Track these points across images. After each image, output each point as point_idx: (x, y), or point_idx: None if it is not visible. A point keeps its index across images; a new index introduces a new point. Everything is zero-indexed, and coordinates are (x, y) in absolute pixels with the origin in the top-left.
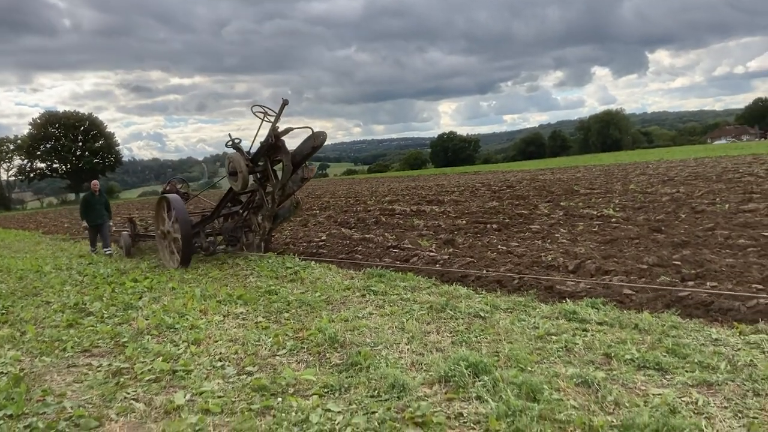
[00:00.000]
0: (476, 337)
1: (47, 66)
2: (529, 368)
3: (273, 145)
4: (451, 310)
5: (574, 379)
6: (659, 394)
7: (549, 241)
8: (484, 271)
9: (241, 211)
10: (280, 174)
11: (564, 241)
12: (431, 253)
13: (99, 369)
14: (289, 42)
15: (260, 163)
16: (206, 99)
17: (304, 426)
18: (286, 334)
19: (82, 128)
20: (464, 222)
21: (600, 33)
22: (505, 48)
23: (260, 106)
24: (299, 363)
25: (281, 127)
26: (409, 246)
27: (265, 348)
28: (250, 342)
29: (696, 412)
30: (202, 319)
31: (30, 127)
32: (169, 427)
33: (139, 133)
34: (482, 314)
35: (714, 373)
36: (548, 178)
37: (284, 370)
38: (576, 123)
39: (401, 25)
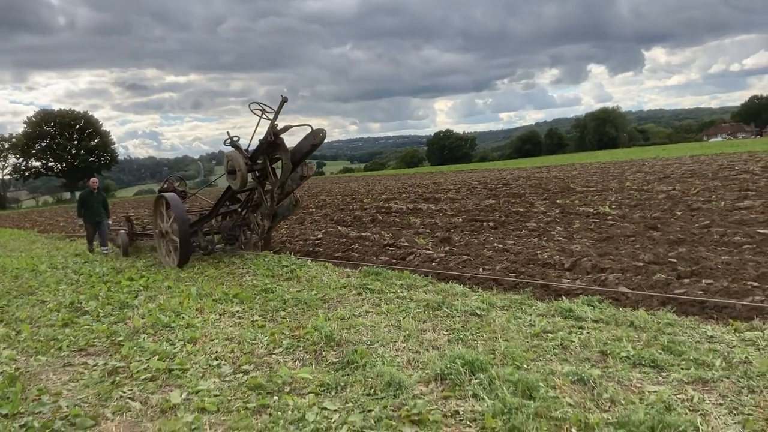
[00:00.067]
0: (472, 335)
1: (42, 64)
2: (525, 366)
3: (272, 143)
4: (447, 308)
5: (570, 377)
6: (655, 392)
7: (545, 238)
8: (480, 270)
9: (239, 209)
10: (278, 172)
11: (560, 238)
12: (427, 251)
13: (95, 368)
14: (285, 40)
15: (259, 162)
16: (202, 97)
17: (301, 424)
18: (283, 333)
19: (77, 126)
20: (461, 220)
21: (596, 30)
22: (501, 45)
23: (258, 103)
24: (295, 361)
25: (280, 124)
26: (406, 244)
27: (262, 346)
28: (246, 340)
29: (691, 409)
30: (198, 317)
31: (25, 125)
32: (165, 426)
33: (134, 132)
34: (478, 312)
35: (709, 371)
36: (544, 175)
37: (280, 368)
38: (572, 121)
39: (397, 22)
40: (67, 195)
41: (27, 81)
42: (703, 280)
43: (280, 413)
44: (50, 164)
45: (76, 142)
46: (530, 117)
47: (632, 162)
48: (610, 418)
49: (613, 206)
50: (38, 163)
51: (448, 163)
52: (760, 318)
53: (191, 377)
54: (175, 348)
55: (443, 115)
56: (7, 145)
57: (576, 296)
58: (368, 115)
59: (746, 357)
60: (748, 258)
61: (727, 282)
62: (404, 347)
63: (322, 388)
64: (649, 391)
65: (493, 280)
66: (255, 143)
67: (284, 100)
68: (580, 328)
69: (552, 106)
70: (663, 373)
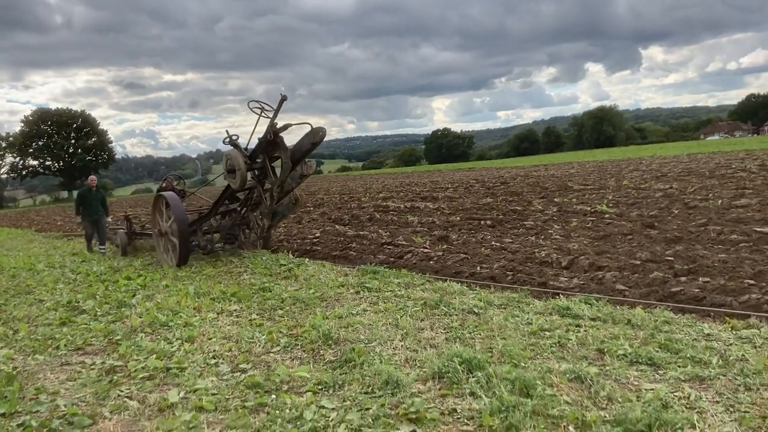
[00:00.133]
0: (470, 333)
1: (39, 63)
2: (523, 364)
3: (271, 141)
4: (444, 306)
5: (568, 375)
6: (652, 389)
7: (542, 237)
8: (478, 268)
9: (239, 208)
10: (278, 170)
11: (557, 237)
12: (425, 250)
13: (92, 367)
14: (282, 38)
15: (258, 160)
16: (199, 96)
17: (298, 423)
18: (280, 331)
19: (74, 125)
20: (458, 218)
21: (593, 29)
22: (498, 44)
23: (257, 101)
24: (293, 360)
25: (279, 123)
26: (403, 243)
27: (259, 345)
28: (244, 339)
29: (688, 406)
30: (195, 316)
31: (22, 124)
32: (163, 424)
33: (132, 131)
34: (476, 310)
35: (706, 368)
36: (542, 174)
37: (278, 367)
38: (569, 119)
39: (394, 21)
40: (64, 194)
41: (24, 80)
42: (700, 278)
43: (277, 412)
44: (47, 163)
45: (73, 141)
46: (528, 115)
47: (629, 160)
48: (607, 415)
49: (611, 205)
50: (35, 162)
51: (445, 162)
52: (757, 316)
53: (189, 376)
54: (172, 347)
55: (441, 114)
56: (4, 144)
57: (573, 294)
58: (366, 113)
59: (743, 355)
60: (744, 256)
61: (723, 280)
62: (402, 346)
63: (319, 387)
64: (646, 389)
65: (490, 278)
66: (254, 142)
67: (283, 99)
68: (578, 326)
69: (549, 105)
70: (660, 371)
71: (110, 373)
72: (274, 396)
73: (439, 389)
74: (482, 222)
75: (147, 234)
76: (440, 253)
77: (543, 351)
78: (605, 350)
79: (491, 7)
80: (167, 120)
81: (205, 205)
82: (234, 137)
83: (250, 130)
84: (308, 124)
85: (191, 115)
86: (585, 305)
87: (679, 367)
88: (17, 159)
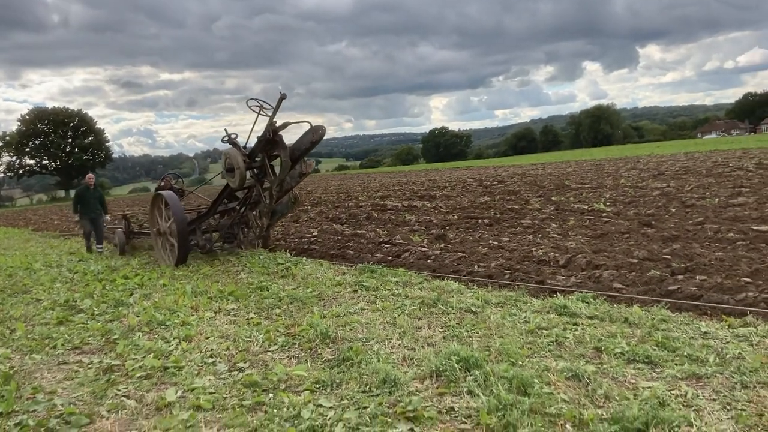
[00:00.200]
0: (467, 331)
1: (36, 62)
2: (520, 362)
3: (271, 140)
4: (442, 305)
5: (565, 373)
6: (649, 387)
7: (540, 235)
8: (476, 267)
9: (238, 207)
10: (277, 169)
11: (555, 235)
12: (423, 249)
13: (90, 366)
14: (280, 37)
15: (257, 159)
16: (196, 95)
17: (296, 421)
18: (278, 330)
19: (71, 124)
20: (456, 217)
21: (591, 27)
22: (496, 43)
23: (256, 99)
24: (291, 359)
25: (278, 121)
26: (401, 241)
27: (257, 344)
28: (242, 338)
29: (685, 404)
30: (193, 315)
31: (19, 123)
32: (160, 423)
33: (129, 129)
34: (473, 309)
35: (703, 366)
36: (539, 173)
37: (276, 366)
38: (567, 118)
39: (392, 19)
40: (61, 193)
41: (21, 78)
42: (697, 277)
43: (275, 410)
44: (44, 162)
45: (70, 140)
46: (525, 114)
47: (627, 159)
48: (604, 413)
49: (608, 203)
50: (32, 161)
51: (443, 161)
52: (754, 314)
53: (186, 375)
54: (170, 346)
55: (438, 113)
56: (0, 143)
57: (571, 293)
58: (363, 112)
59: (739, 353)
60: (741, 254)
61: (720, 278)
62: (399, 344)
63: (317, 386)
64: (643, 387)
65: (488, 277)
66: (253, 141)
67: (283, 97)
68: (575, 324)
69: (547, 104)
70: (657, 369)
71: (107, 372)
72: (271, 395)
73: (437, 388)
74: (480, 221)
75: (145, 233)
76: (438, 252)
77: (540, 349)
78: (602, 348)
79: (489, 6)
80: (164, 119)
81: (204, 204)
82: (233, 136)
83: (248, 128)
84: (308, 122)
85: (188, 114)
86: (582, 303)
87: (676, 365)
88: (14, 158)
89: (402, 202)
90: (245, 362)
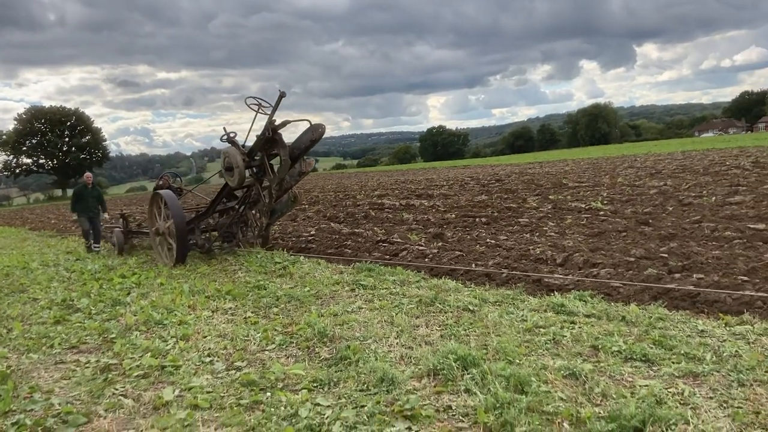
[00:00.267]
0: (465, 330)
1: (32, 61)
2: (518, 361)
3: (270, 138)
4: (440, 303)
5: (562, 372)
6: (646, 386)
7: (537, 234)
8: (473, 265)
9: (237, 206)
10: (276, 168)
11: (552, 234)
12: (420, 247)
13: (87, 365)
14: (276, 36)
15: (256, 158)
16: (193, 93)
17: (294, 420)
18: (275, 329)
19: (68, 123)
20: (453, 216)
21: (588, 26)
22: (493, 41)
23: (255, 98)
24: (288, 358)
25: (277, 120)
26: (399, 240)
27: (254, 343)
28: (239, 337)
29: (682, 402)
30: (190, 314)
31: (15, 122)
32: (158, 422)
33: (126, 128)
34: (471, 307)
35: (700, 364)
36: (537, 171)
37: (273, 364)
38: (564, 116)
39: (389, 18)
40: (58, 192)
41: (17, 77)
42: (694, 275)
43: (272, 409)
44: (41, 161)
45: (67, 139)
46: (522, 113)
47: (624, 157)
48: (601, 412)
49: (605, 202)
50: (29, 160)
51: (440, 160)
52: (750, 312)
53: (184, 374)
54: (167, 345)
55: (436, 112)
56: None
57: (568, 291)
58: (361, 111)
59: (736, 351)
60: (738, 252)
61: (717, 276)
62: (397, 343)
63: (315, 384)
64: (640, 385)
65: (485, 275)
66: (252, 139)
67: (282, 95)
68: (572, 323)
69: (544, 102)
70: (654, 367)
71: (105, 372)
72: (269, 394)
73: (434, 386)
74: (477, 219)
75: (143, 232)
76: (435, 251)
77: (538, 348)
78: (600, 347)
79: (485, 5)
80: (161, 118)
81: (202, 203)
82: (231, 134)
83: (245, 127)
84: (307, 120)
85: (186, 112)
86: (579, 302)
87: (673, 363)
88: (11, 157)
89: (399, 201)
90: (243, 361)
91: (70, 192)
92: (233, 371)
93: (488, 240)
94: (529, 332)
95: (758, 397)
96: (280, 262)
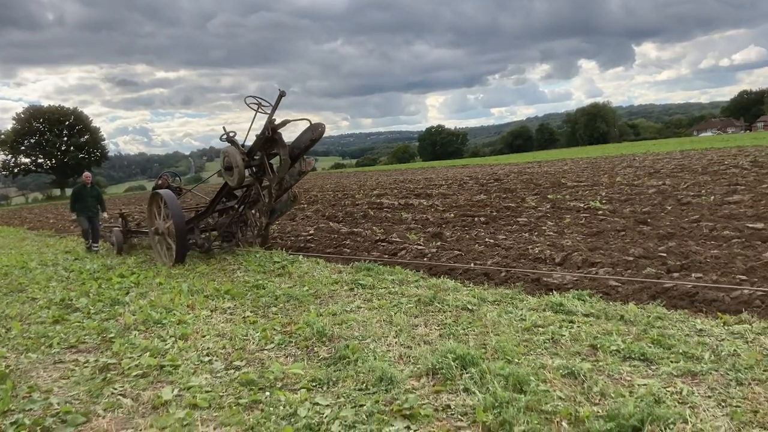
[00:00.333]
0: (464, 329)
1: (31, 60)
2: (516, 360)
3: (269, 138)
4: (438, 303)
5: (561, 371)
6: (644, 385)
7: (536, 233)
8: (472, 264)
9: (236, 206)
10: (276, 167)
11: (551, 233)
12: (419, 247)
13: (86, 365)
14: (275, 35)
15: (256, 157)
16: (192, 93)
17: (293, 420)
18: (274, 329)
19: (66, 123)
20: (452, 215)
21: (586, 26)
22: (492, 41)
23: (254, 97)
24: (287, 357)
25: (277, 119)
26: (397, 239)
27: (253, 342)
28: (238, 336)
29: (680, 401)
30: (189, 314)
31: (14, 121)
32: (156, 422)
33: (125, 128)
34: (470, 307)
35: (698, 363)
36: (535, 171)
37: (272, 364)
38: (563, 116)
39: (388, 17)
40: (57, 192)
41: (15, 77)
42: (693, 274)
43: (271, 409)
44: (40, 161)
45: (65, 139)
46: (521, 112)
47: (623, 157)
48: (600, 411)
49: (604, 201)
50: (27, 160)
51: (439, 159)
52: (749, 311)
53: (183, 373)
54: (166, 344)
55: (435, 111)
56: None
57: (567, 290)
58: (359, 110)
59: (735, 350)
60: (737, 252)
61: (716, 276)
62: (396, 342)
63: (313, 384)
64: (638, 384)
65: (484, 274)
66: (251, 138)
67: (282, 94)
68: (571, 322)
69: (543, 102)
70: (652, 367)
71: (104, 371)
72: (268, 393)
73: (433, 385)
74: (476, 219)
75: (143, 232)
76: (434, 250)
77: (536, 347)
78: (598, 346)
79: (484, 4)
80: (160, 117)
81: (202, 202)
82: (231, 134)
83: (244, 127)
84: (307, 119)
85: (184, 112)
86: (578, 301)
87: (671, 362)
88: (9, 157)
89: (398, 201)
90: (242, 360)
91: (68, 191)
92: (232, 370)
93: (487, 239)
94: (528, 331)
95: (756, 395)
96: (278, 262)
